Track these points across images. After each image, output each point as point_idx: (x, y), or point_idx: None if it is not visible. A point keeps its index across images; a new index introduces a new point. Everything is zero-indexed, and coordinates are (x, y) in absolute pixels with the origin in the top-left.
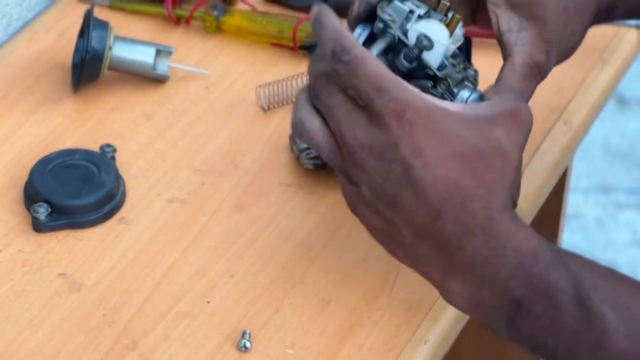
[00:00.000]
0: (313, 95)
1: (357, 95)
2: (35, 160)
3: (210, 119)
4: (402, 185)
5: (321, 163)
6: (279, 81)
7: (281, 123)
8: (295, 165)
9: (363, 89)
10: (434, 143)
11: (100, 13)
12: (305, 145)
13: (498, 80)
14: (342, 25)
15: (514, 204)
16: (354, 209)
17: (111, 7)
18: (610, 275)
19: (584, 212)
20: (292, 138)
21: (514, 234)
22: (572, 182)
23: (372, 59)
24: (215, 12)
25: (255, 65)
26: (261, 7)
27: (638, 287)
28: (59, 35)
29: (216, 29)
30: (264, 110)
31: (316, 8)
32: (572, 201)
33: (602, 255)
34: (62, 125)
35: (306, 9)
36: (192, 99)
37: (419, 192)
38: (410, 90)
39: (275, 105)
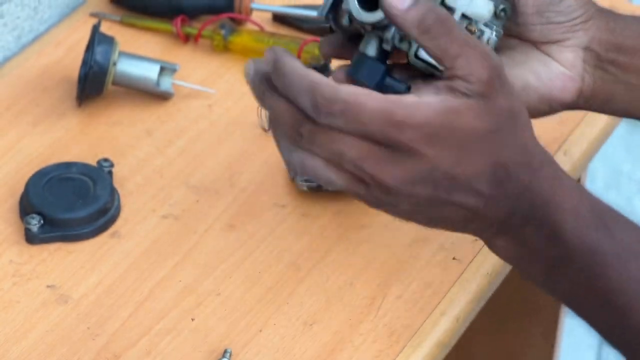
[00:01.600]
0: (302, 142)
1: (372, 136)
2: (33, 172)
3: (211, 138)
4: (450, 191)
5: (315, 185)
6: None
7: None
8: (291, 187)
9: (377, 131)
10: (463, 145)
11: (111, 28)
12: None
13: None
14: (306, 68)
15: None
16: (398, 216)
17: (122, 23)
18: None
19: None
20: None
21: (557, 191)
22: None
23: (365, 95)
24: (223, 31)
25: None
26: (270, 27)
27: None
28: (69, 49)
29: (224, 47)
30: (264, 130)
31: (270, 52)
32: None
33: None
34: (64, 138)
35: (314, 31)
36: (194, 117)
37: (468, 188)
38: (420, 107)
39: None
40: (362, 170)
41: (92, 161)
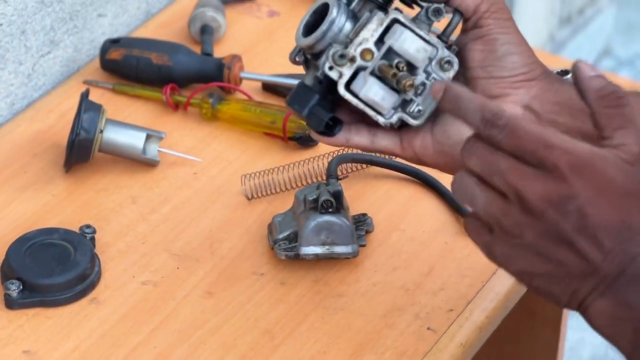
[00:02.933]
0: (470, 162)
1: (523, 153)
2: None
3: (195, 205)
4: (578, 230)
5: (293, 254)
6: (264, 171)
7: (263, 213)
8: (271, 255)
9: (529, 148)
10: (602, 189)
11: (103, 95)
12: (280, 236)
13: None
14: (473, 93)
15: None
16: (503, 253)
17: (114, 90)
18: None
19: None
20: (270, 227)
21: None
22: None
23: (522, 118)
24: (211, 100)
25: (246, 153)
26: (259, 96)
27: None
28: (61, 116)
29: (212, 116)
30: (248, 199)
31: (440, 84)
32: None
33: None
34: (50, 204)
35: None
36: (179, 185)
37: (594, 236)
38: (571, 140)
39: (259, 195)
40: (508, 183)
41: (76, 227)
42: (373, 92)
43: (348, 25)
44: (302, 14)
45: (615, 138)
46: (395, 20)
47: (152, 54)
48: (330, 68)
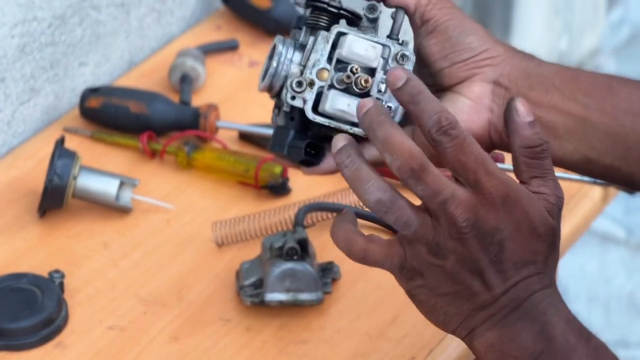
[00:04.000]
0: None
1: (463, 169)
2: None
3: (165, 251)
4: (492, 262)
5: (258, 300)
6: (235, 219)
7: (233, 259)
8: (238, 301)
9: (471, 167)
10: (522, 227)
11: (81, 143)
12: (246, 282)
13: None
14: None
15: None
16: (420, 276)
17: (92, 138)
18: None
19: None
20: (237, 274)
21: (558, 301)
22: None
23: (473, 138)
24: (187, 148)
25: (219, 201)
26: (235, 145)
27: None
28: (38, 163)
29: (187, 164)
30: (218, 245)
31: (397, 69)
32: None
33: None
34: (22, 249)
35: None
36: (151, 231)
37: (504, 270)
38: (507, 175)
39: (230, 242)
40: (447, 210)
41: (47, 272)
42: (338, 102)
43: (297, 56)
44: None
45: (532, 186)
46: (340, 34)
47: (130, 102)
48: (293, 97)
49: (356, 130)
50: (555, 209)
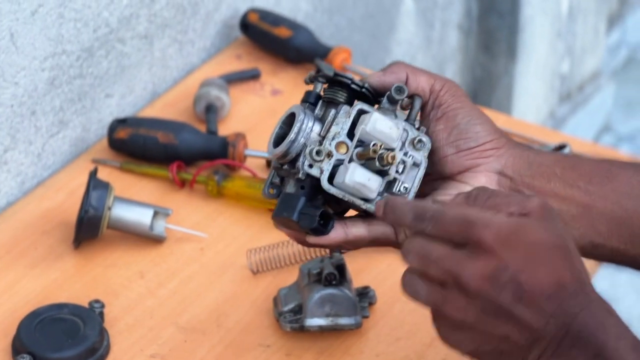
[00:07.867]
0: (409, 259)
1: (451, 237)
2: (27, 313)
3: (201, 280)
4: (516, 299)
5: (298, 326)
6: (269, 246)
7: (268, 286)
8: (276, 327)
9: (454, 230)
10: (529, 253)
11: (111, 174)
12: (286, 308)
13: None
14: (406, 199)
15: None
16: (453, 338)
17: (121, 169)
18: None
19: None
20: (275, 300)
21: (605, 314)
22: None
23: (447, 206)
24: (216, 177)
25: (250, 229)
26: (263, 173)
27: None
28: (69, 194)
29: (217, 193)
30: (253, 273)
31: (381, 201)
32: None
33: None
34: (59, 280)
35: None
36: (186, 260)
37: (532, 302)
38: (490, 214)
39: (264, 269)
40: (443, 270)
41: (86, 302)
42: (358, 175)
43: (317, 127)
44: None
45: (515, 214)
46: (362, 111)
47: (158, 132)
48: (310, 166)
49: (369, 206)
50: (547, 218)
